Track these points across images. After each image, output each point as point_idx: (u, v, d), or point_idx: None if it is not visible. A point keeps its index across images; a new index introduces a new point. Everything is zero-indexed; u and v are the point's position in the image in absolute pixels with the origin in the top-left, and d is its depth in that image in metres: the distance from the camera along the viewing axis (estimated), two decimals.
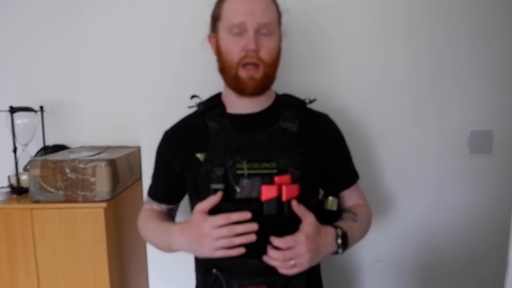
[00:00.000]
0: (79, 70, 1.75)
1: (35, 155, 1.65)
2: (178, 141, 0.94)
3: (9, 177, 1.46)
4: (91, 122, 1.77)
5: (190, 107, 0.97)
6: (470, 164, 1.29)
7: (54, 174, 1.28)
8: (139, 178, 1.49)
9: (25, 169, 1.48)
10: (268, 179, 0.81)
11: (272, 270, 0.81)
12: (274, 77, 0.91)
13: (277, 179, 0.80)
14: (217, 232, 0.76)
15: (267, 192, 0.78)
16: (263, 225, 0.76)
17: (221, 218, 0.76)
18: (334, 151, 0.97)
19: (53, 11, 1.73)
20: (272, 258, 0.78)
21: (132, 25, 1.27)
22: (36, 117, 1.57)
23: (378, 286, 1.33)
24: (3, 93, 1.72)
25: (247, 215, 0.76)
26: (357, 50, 1.25)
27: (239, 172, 0.82)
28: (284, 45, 0.93)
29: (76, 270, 1.28)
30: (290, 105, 0.94)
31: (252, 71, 0.85)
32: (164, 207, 1.00)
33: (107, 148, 1.60)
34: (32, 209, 1.27)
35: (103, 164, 1.28)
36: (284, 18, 0.94)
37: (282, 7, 0.92)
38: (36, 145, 1.65)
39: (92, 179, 1.28)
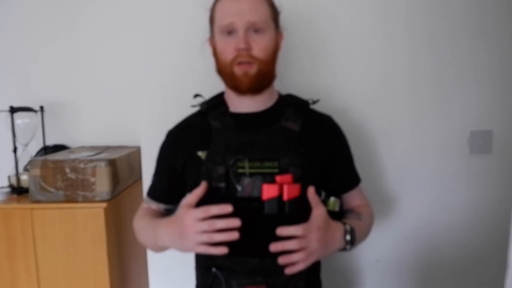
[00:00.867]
0: (79, 70, 1.75)
1: (35, 155, 1.65)
2: (181, 140, 0.95)
3: (9, 177, 1.46)
4: (91, 122, 1.77)
5: (193, 106, 0.97)
6: (470, 164, 1.29)
7: (54, 174, 1.28)
8: (139, 178, 1.49)
9: (25, 169, 1.48)
10: (270, 178, 0.81)
11: (272, 269, 0.81)
12: (272, 74, 0.91)
13: (278, 178, 0.80)
14: (197, 225, 0.74)
15: (269, 191, 0.78)
16: (263, 225, 0.76)
17: (201, 211, 0.74)
18: (335, 152, 0.96)
19: (53, 11, 1.73)
20: (289, 248, 0.74)
21: (132, 25, 1.28)
22: (36, 117, 1.57)
23: (378, 286, 1.33)
24: (3, 93, 1.72)
25: (228, 208, 0.74)
26: (357, 50, 1.25)
27: (240, 170, 0.83)
28: (284, 44, 0.93)
29: (76, 270, 1.28)
30: (292, 105, 0.94)
31: (245, 67, 0.85)
32: (162, 207, 0.99)
33: (107, 148, 1.60)
34: (32, 209, 1.27)
35: (103, 164, 1.28)
36: (285, 18, 0.94)
37: (283, 7, 0.93)
38: (36, 145, 1.65)
39: (92, 179, 1.28)
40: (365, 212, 0.97)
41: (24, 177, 1.43)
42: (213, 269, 0.85)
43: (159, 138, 0.99)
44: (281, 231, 0.75)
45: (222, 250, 0.74)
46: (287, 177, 0.80)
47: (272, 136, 0.87)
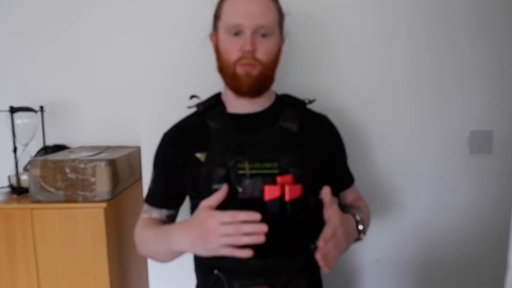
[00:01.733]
0: (79, 70, 1.75)
1: (35, 155, 1.65)
2: (178, 142, 0.93)
3: (9, 177, 1.46)
4: (91, 122, 1.77)
5: (189, 107, 0.97)
6: (470, 164, 1.29)
7: (54, 174, 1.28)
8: (139, 178, 1.49)
9: (25, 169, 1.48)
10: (270, 179, 0.81)
11: (274, 270, 0.82)
12: (272, 78, 0.91)
13: (279, 179, 0.80)
14: (223, 229, 0.73)
15: (270, 192, 0.78)
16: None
17: (228, 215, 0.73)
18: (334, 151, 0.98)
19: (53, 11, 1.72)
20: (328, 252, 0.76)
21: (132, 25, 1.27)
22: (36, 117, 1.57)
23: (378, 286, 1.33)
24: (3, 93, 1.72)
25: (256, 216, 0.73)
26: (357, 50, 1.25)
27: (240, 172, 0.82)
28: (285, 46, 0.93)
29: (76, 270, 1.28)
30: (290, 105, 0.94)
31: (248, 67, 0.85)
32: (164, 213, 0.97)
33: (107, 148, 1.60)
34: (32, 209, 1.27)
35: (103, 164, 1.28)
36: (285, 19, 0.94)
37: (284, 9, 0.93)
38: (36, 145, 1.65)
39: (92, 179, 1.28)
40: (363, 205, 1.01)
41: (24, 177, 1.43)
42: (215, 271, 0.84)
43: (159, 138, 0.98)
44: (320, 241, 0.75)
45: (247, 253, 0.73)
46: (288, 178, 0.80)
47: (271, 137, 0.87)
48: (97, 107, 1.76)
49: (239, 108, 0.92)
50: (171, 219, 0.99)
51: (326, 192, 0.79)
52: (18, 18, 1.73)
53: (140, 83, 1.25)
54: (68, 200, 1.28)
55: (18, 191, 1.41)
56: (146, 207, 0.99)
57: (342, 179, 1.02)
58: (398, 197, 1.30)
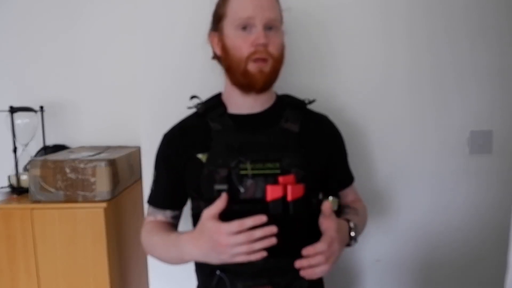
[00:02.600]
0: (79, 70, 1.75)
1: (35, 155, 1.65)
2: (180, 143, 0.93)
3: (9, 177, 1.46)
4: (91, 122, 1.77)
5: (189, 107, 0.96)
6: (470, 164, 1.29)
7: (54, 174, 1.28)
8: (139, 178, 1.49)
9: (25, 169, 1.47)
10: (272, 179, 0.81)
11: (276, 270, 0.82)
12: (279, 73, 0.91)
13: (281, 179, 0.80)
14: (234, 239, 0.72)
15: (273, 192, 0.78)
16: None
17: (235, 225, 0.73)
18: (334, 151, 0.98)
19: (53, 11, 1.72)
20: (315, 264, 0.76)
21: (132, 25, 1.27)
22: (36, 117, 1.57)
23: (378, 286, 1.33)
24: (3, 93, 1.71)
25: (262, 218, 0.73)
26: (357, 50, 1.25)
27: (242, 172, 0.82)
28: (285, 42, 0.93)
29: (76, 270, 1.28)
30: (290, 105, 0.94)
31: (261, 64, 0.85)
32: (168, 214, 0.96)
33: (107, 148, 1.60)
34: (32, 209, 1.27)
35: (103, 164, 1.28)
36: (286, 17, 0.94)
37: (284, 5, 0.93)
38: (36, 145, 1.65)
39: (92, 179, 1.27)
40: (360, 207, 1.01)
41: (24, 177, 1.43)
42: (217, 272, 0.84)
43: (159, 138, 0.98)
44: (307, 251, 0.76)
45: (262, 255, 0.74)
46: (290, 178, 0.80)
47: (273, 137, 0.87)
48: (97, 107, 1.76)
49: (241, 108, 0.92)
50: (176, 219, 0.99)
51: (326, 207, 0.79)
52: (18, 18, 1.73)
53: (140, 83, 1.25)
54: (68, 200, 1.28)
55: (18, 191, 1.41)
56: (150, 209, 0.98)
57: (342, 178, 1.03)
58: (398, 197, 1.30)
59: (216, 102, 0.95)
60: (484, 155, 1.29)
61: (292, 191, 0.78)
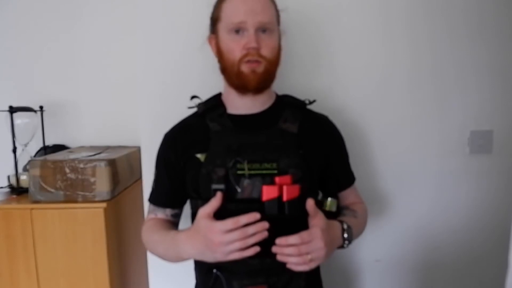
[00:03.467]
0: (79, 70, 1.75)
1: (35, 155, 1.65)
2: (180, 142, 0.94)
3: (8, 177, 1.46)
4: (91, 122, 1.77)
5: (190, 107, 0.97)
6: (470, 164, 1.29)
7: (54, 174, 1.28)
8: (139, 178, 1.49)
9: (25, 169, 1.47)
10: (269, 180, 0.81)
11: (273, 270, 0.82)
12: (275, 74, 0.92)
13: (278, 179, 0.80)
14: (228, 237, 0.74)
15: (268, 193, 0.78)
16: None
17: (230, 223, 0.74)
18: (333, 152, 0.98)
19: (53, 11, 1.72)
20: (287, 254, 0.76)
21: (132, 25, 1.27)
22: (36, 117, 1.57)
23: (378, 286, 1.33)
24: (3, 93, 1.71)
25: (256, 216, 0.74)
26: (357, 50, 1.25)
27: (240, 172, 0.83)
28: (283, 44, 0.93)
29: (76, 270, 1.28)
30: (290, 105, 0.95)
31: (254, 64, 0.86)
32: (168, 212, 0.98)
33: (107, 148, 1.60)
34: (32, 209, 1.27)
35: (103, 164, 1.28)
36: (283, 18, 0.94)
37: (281, 5, 0.93)
38: (35, 145, 1.65)
39: (92, 179, 1.27)
40: (360, 209, 1.00)
41: (23, 177, 1.43)
42: (214, 271, 0.85)
43: (159, 138, 0.98)
44: (280, 241, 0.76)
45: (255, 250, 0.75)
46: (286, 178, 0.80)
47: (271, 138, 0.88)
48: (97, 107, 1.76)
49: (240, 108, 0.93)
50: (176, 218, 1.00)
51: (309, 205, 0.79)
52: (18, 18, 1.74)
53: (140, 83, 1.25)
54: (68, 200, 1.28)
55: (17, 191, 1.41)
56: (151, 207, 1.00)
57: (342, 179, 1.02)
58: (398, 197, 1.30)
59: (215, 103, 0.95)
60: (484, 155, 1.28)
61: (288, 191, 0.78)
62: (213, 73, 0.94)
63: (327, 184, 0.97)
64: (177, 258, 0.87)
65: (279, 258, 0.77)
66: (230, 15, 0.86)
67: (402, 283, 1.33)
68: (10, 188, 1.43)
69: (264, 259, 0.81)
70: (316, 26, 1.24)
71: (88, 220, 1.27)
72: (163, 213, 0.98)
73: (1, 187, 1.45)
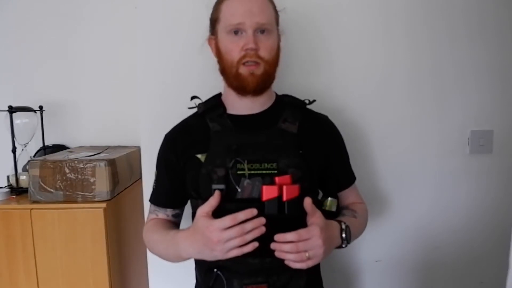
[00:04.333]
0: (79, 70, 1.75)
1: (35, 155, 1.65)
2: (180, 142, 0.94)
3: (8, 177, 1.46)
4: (91, 122, 1.77)
5: (190, 108, 0.97)
6: (470, 164, 1.29)
7: (53, 174, 1.27)
8: (139, 178, 1.49)
9: (25, 169, 1.47)
10: (269, 180, 0.82)
11: (273, 269, 0.82)
12: (274, 76, 0.92)
13: (277, 179, 0.80)
14: (226, 234, 0.74)
15: (268, 192, 0.79)
16: (264, 225, 0.76)
17: (228, 220, 0.74)
18: (333, 152, 0.98)
19: (53, 11, 1.72)
20: (285, 251, 0.76)
21: (132, 26, 1.27)
22: (35, 117, 1.57)
23: (378, 286, 1.33)
24: (2, 93, 1.71)
25: (254, 211, 0.75)
26: (356, 50, 1.25)
27: (240, 172, 0.83)
28: (282, 44, 0.93)
29: (76, 270, 1.28)
30: (290, 105, 0.95)
31: (252, 67, 0.86)
32: (169, 212, 0.98)
33: (107, 148, 1.60)
34: (32, 209, 1.27)
35: (102, 164, 1.28)
36: (282, 18, 0.94)
37: (280, 6, 0.93)
38: (35, 145, 1.65)
39: (92, 179, 1.27)
40: (360, 209, 1.00)
41: (23, 177, 1.43)
42: (215, 270, 0.85)
43: (159, 138, 0.98)
44: (278, 237, 0.77)
45: (254, 245, 0.75)
46: (286, 178, 0.81)
47: (271, 138, 0.88)
48: (97, 107, 1.76)
49: (240, 109, 0.93)
50: (177, 218, 1.00)
51: (307, 203, 0.79)
52: (18, 18, 1.73)
53: (140, 83, 1.25)
54: (68, 200, 1.28)
55: (17, 191, 1.41)
56: (152, 207, 1.00)
57: (342, 179, 1.02)
58: (398, 197, 1.30)
59: (215, 103, 0.95)
60: (484, 155, 1.28)
61: (287, 191, 0.79)
62: (213, 73, 0.94)
63: (327, 184, 0.97)
64: (177, 258, 0.87)
65: (277, 254, 0.77)
66: (229, 16, 0.86)
67: (402, 283, 1.33)
68: (9, 188, 1.43)
69: (264, 258, 0.81)
70: (316, 26, 1.24)
71: (88, 220, 1.27)
72: (164, 213, 0.98)
73: (1, 187, 1.45)
